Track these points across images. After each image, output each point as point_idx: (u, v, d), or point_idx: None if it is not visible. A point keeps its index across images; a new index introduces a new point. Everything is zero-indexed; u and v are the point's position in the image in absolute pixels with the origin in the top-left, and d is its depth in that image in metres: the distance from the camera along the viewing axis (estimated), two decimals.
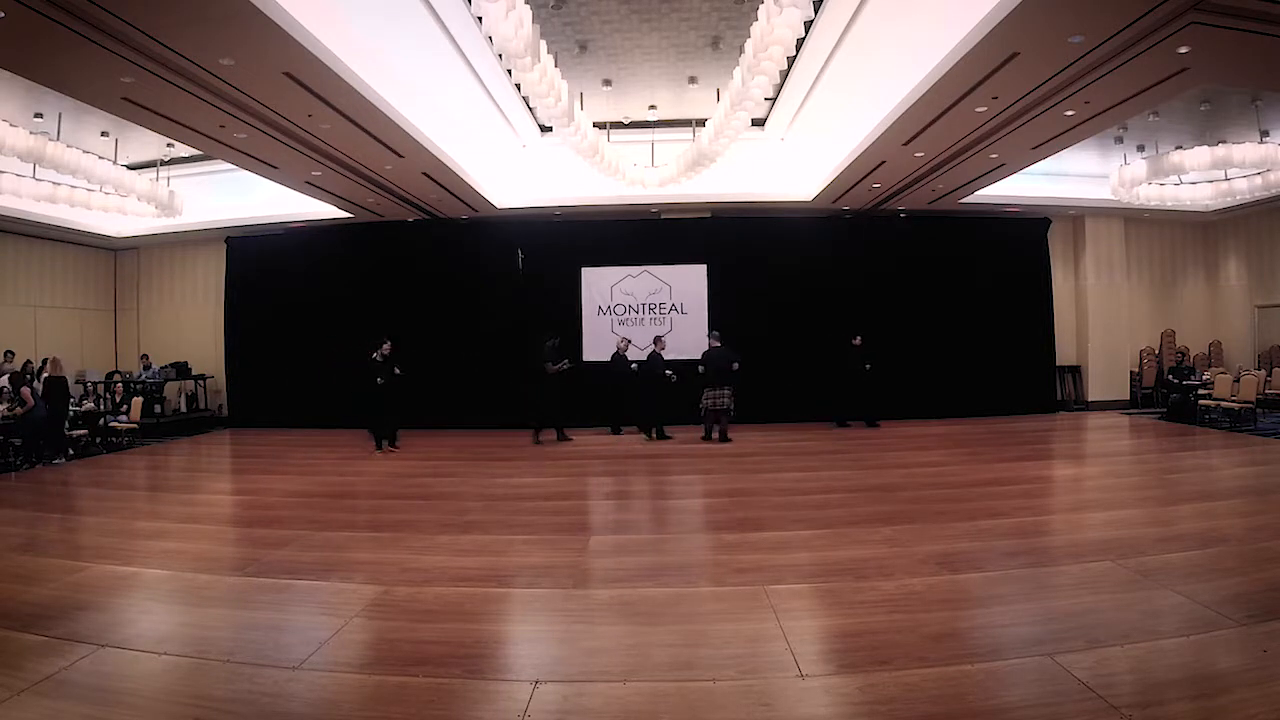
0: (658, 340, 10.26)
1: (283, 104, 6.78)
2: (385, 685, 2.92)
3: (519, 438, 10.41)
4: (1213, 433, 9.70)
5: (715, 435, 9.65)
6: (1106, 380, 12.73)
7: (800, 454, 8.77)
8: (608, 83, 8.41)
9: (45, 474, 8.26)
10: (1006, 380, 12.05)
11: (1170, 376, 11.64)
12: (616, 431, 10.70)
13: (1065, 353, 12.78)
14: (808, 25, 6.58)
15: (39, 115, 8.17)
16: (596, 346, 11.65)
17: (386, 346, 9.33)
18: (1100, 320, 12.69)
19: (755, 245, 11.84)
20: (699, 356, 9.81)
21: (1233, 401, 10.14)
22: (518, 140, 10.10)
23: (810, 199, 11.06)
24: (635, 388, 10.17)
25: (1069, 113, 7.34)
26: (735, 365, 9.37)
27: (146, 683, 2.96)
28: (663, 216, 12.03)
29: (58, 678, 2.95)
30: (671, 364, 10.22)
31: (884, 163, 9.22)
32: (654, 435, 10.08)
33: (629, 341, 10.82)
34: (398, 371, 9.28)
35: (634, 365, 10.41)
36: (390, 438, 9.62)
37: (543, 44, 5.49)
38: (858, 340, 10.85)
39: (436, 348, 12.01)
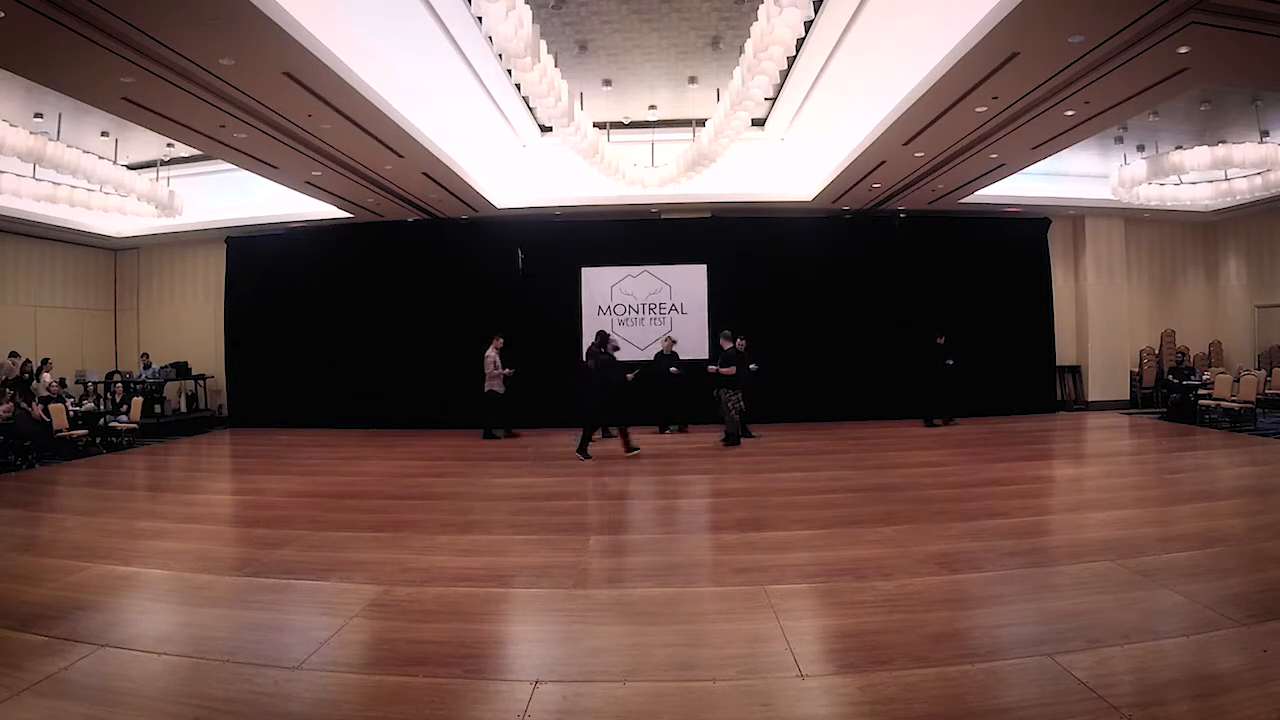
0: (738, 340, 9.89)
1: (283, 104, 6.78)
2: (385, 685, 2.92)
3: (518, 437, 10.41)
4: (1213, 433, 9.70)
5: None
6: (1106, 380, 12.73)
7: (800, 454, 8.77)
8: (608, 83, 8.41)
9: (45, 474, 8.26)
10: (1006, 380, 12.06)
11: (1170, 376, 11.64)
12: (682, 429, 10.69)
13: (1065, 353, 12.78)
14: (808, 25, 6.57)
15: (39, 115, 8.17)
16: None
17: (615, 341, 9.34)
18: (1100, 320, 12.69)
19: (755, 245, 11.83)
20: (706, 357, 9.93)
21: (1233, 401, 10.13)
22: (518, 140, 10.10)
23: (810, 199, 11.06)
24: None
25: (1069, 113, 7.34)
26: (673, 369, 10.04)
27: (146, 683, 2.96)
28: (663, 216, 12.02)
29: (58, 678, 2.95)
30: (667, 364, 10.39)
31: (884, 163, 9.22)
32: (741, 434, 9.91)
33: (673, 341, 10.78)
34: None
35: (674, 370, 10.44)
36: (611, 431, 9.25)
37: (543, 44, 5.49)
38: (941, 339, 10.93)
39: (436, 348, 12.01)
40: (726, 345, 9.31)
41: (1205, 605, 3.49)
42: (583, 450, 8.48)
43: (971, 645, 3.19)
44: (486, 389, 10.22)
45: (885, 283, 11.98)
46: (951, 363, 10.79)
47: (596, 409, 8.80)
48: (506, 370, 10.22)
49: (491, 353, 10.19)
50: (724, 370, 9.13)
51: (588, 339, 11.60)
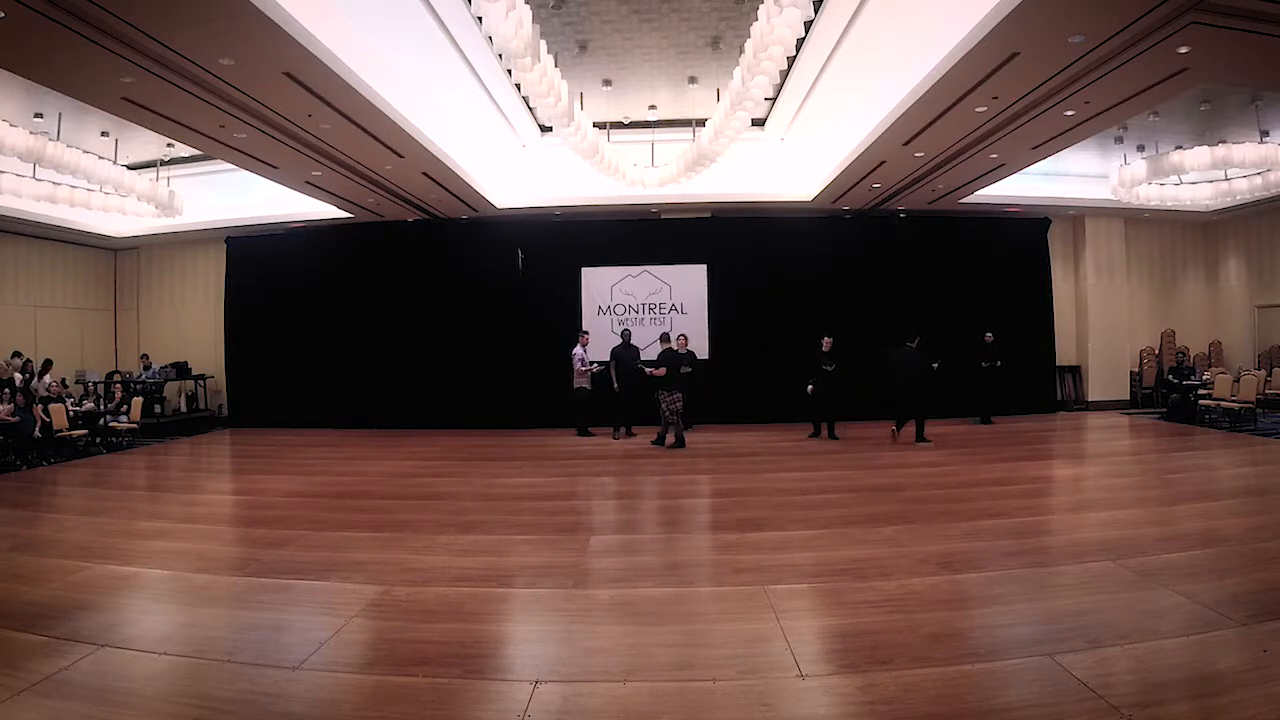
0: (913, 341, 9.55)
1: (283, 104, 6.78)
2: (385, 685, 2.92)
3: (519, 438, 10.42)
4: (1213, 433, 9.69)
5: (670, 439, 9.28)
6: (1106, 380, 12.72)
7: (800, 454, 8.77)
8: (608, 83, 8.41)
9: (46, 474, 8.26)
10: (1006, 380, 12.03)
11: (1170, 376, 11.64)
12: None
13: (1065, 353, 12.78)
14: (808, 25, 6.58)
15: (39, 115, 8.17)
16: (596, 348, 11.61)
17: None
18: (1100, 320, 12.69)
19: (755, 245, 11.83)
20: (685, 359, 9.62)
21: (1233, 401, 10.13)
22: (518, 140, 10.10)
23: (810, 199, 11.06)
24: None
25: (1069, 113, 7.34)
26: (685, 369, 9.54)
27: (146, 683, 2.96)
28: (663, 216, 12.02)
29: (58, 678, 2.95)
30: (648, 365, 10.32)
31: (884, 163, 9.22)
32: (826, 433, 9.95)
33: (686, 339, 10.65)
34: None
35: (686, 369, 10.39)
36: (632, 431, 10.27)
37: (543, 44, 5.49)
38: (990, 336, 11.04)
39: (436, 348, 12.02)
40: (663, 346, 9.35)
41: (1205, 605, 3.49)
42: (920, 437, 9.10)
43: (971, 645, 3.19)
44: (575, 386, 10.32)
45: (885, 282, 11.97)
46: (1000, 362, 10.88)
47: (919, 400, 9.24)
48: (593, 366, 10.30)
49: (579, 350, 10.30)
50: (654, 372, 9.15)
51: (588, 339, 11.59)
